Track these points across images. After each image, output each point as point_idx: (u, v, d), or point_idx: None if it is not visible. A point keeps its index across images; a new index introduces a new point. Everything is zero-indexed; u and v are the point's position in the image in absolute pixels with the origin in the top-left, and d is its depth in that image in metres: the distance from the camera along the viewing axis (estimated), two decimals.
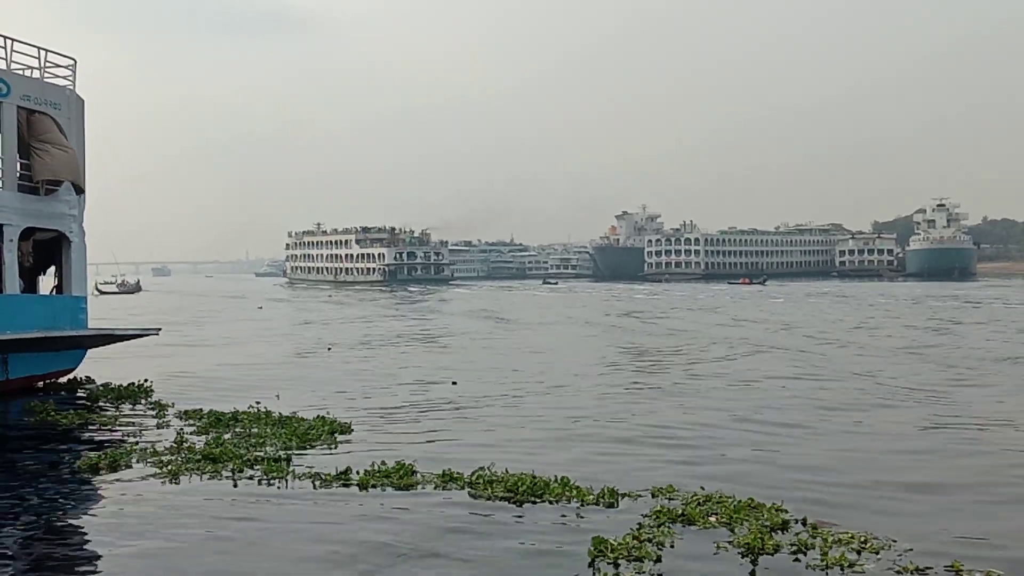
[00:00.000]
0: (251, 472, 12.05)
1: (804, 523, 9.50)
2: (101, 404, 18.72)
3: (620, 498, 10.63)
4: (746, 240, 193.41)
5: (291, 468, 12.17)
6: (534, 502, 10.56)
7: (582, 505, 10.38)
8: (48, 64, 21.05)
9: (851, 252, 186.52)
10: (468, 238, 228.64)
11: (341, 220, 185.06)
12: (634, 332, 40.44)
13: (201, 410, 17.12)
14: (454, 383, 21.56)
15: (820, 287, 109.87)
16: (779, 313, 55.01)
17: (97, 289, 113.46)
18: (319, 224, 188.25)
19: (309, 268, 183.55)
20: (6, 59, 19.65)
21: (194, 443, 13.87)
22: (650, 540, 8.90)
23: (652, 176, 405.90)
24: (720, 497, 10.37)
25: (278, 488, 11.35)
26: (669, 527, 9.38)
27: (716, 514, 9.75)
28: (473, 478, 11.46)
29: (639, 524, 9.44)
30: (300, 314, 61.48)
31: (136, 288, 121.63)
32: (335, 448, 13.78)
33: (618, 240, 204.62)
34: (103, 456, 13.03)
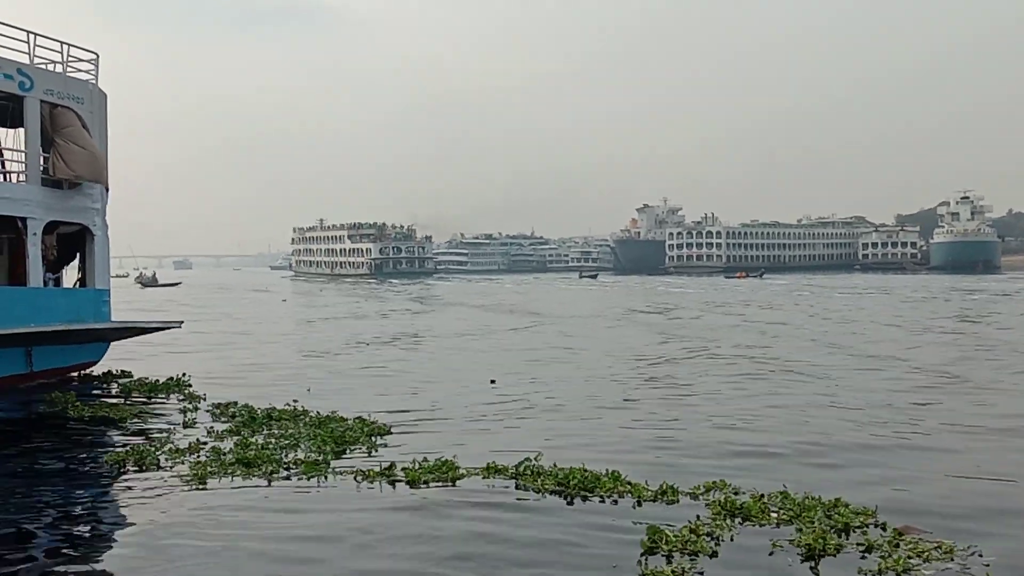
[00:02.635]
0: (286, 473, 11.53)
1: (883, 527, 9.03)
2: (134, 397, 18.60)
3: (680, 495, 10.22)
4: (768, 233, 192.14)
5: (329, 469, 11.63)
6: (585, 496, 10.25)
7: (638, 502, 10.02)
8: (71, 58, 21.14)
9: (874, 245, 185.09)
10: (488, 231, 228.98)
11: (358, 214, 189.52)
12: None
13: (235, 403, 16.79)
14: (492, 382, 21.30)
15: (849, 281, 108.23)
16: (852, 307, 53.79)
17: (139, 282, 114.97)
18: (321, 220, 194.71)
19: (310, 262, 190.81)
20: (29, 53, 19.73)
21: (223, 447, 13.16)
22: (709, 535, 8.74)
23: (673, 169, 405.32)
24: (788, 494, 9.97)
25: (318, 490, 10.80)
26: (729, 522, 9.18)
27: (777, 511, 9.51)
28: (520, 470, 11.12)
29: (697, 516, 9.27)
30: (301, 310, 61.03)
31: (153, 281, 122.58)
32: (375, 452, 13.00)
33: (639, 233, 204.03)
34: (130, 453, 12.73)
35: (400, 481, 11.04)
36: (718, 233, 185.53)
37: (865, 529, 9.01)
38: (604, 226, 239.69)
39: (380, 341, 33.48)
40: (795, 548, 8.45)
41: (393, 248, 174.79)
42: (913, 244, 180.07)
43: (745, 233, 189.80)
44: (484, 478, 11.02)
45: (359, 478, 11.18)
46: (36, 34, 20.00)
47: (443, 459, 11.64)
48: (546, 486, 10.56)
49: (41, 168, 19.97)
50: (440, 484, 10.90)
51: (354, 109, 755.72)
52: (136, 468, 12.22)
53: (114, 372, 21.85)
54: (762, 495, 10.00)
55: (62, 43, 20.90)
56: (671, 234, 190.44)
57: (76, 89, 20.79)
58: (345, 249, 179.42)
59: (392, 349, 30.49)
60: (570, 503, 10.07)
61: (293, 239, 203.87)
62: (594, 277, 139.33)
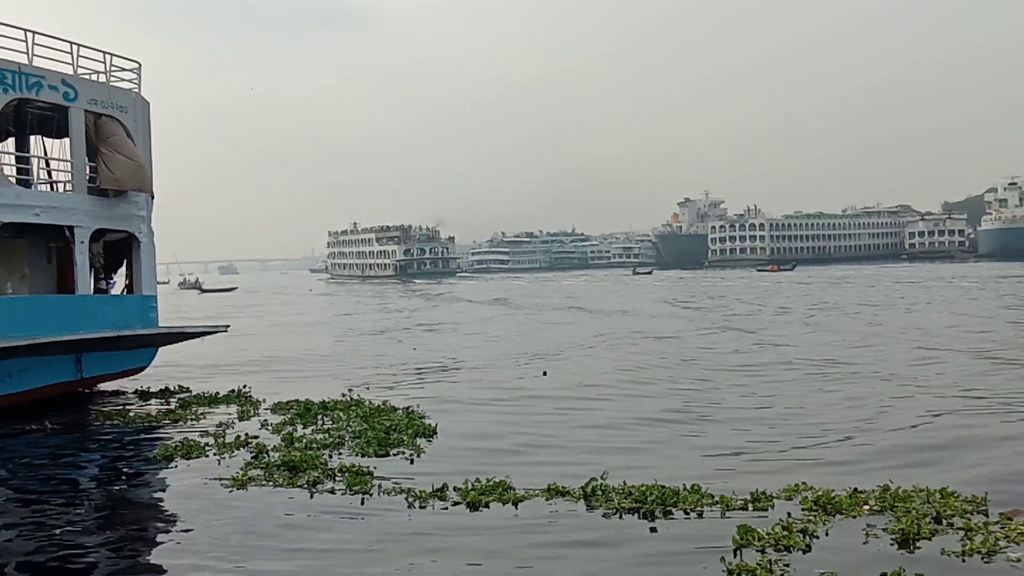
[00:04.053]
0: (331, 484, 11.08)
1: (984, 511, 8.97)
2: (193, 407, 18.20)
3: (773, 499, 9.81)
4: (812, 224, 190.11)
5: (374, 483, 10.98)
6: (667, 513, 9.64)
7: (726, 511, 9.57)
8: (113, 68, 21.35)
9: (921, 234, 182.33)
10: (530, 229, 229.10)
11: (398, 217, 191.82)
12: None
13: (297, 401, 17.21)
14: (544, 373, 21.13)
15: (897, 271, 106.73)
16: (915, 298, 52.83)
17: (200, 288, 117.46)
18: (355, 223, 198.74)
19: (344, 264, 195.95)
20: (72, 64, 19.95)
21: (268, 443, 13.25)
22: (802, 531, 8.59)
23: (714, 162, 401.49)
24: (889, 487, 9.79)
25: (363, 504, 10.33)
26: (823, 517, 9.03)
27: (869, 503, 9.38)
28: (588, 490, 10.36)
29: (788, 513, 9.11)
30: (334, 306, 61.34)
31: (197, 286, 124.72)
32: (419, 456, 12.72)
33: (680, 227, 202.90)
34: (178, 448, 13.10)
35: (457, 503, 10.25)
36: (761, 225, 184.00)
37: (968, 516, 8.86)
38: (645, 221, 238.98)
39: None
40: (888, 535, 8.40)
41: (417, 249, 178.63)
42: (961, 232, 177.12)
43: (789, 225, 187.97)
44: (547, 500, 10.29)
45: (411, 498, 10.42)
46: (79, 44, 20.23)
47: (496, 479, 10.77)
48: (622, 505, 9.89)
49: (87, 177, 20.22)
50: (499, 505, 10.16)
51: (397, 112, 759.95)
52: (184, 460, 12.55)
53: (171, 388, 20.82)
54: (857, 489, 9.80)
55: (105, 53, 21.12)
56: (713, 227, 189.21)
57: (119, 98, 21.02)
58: (373, 251, 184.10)
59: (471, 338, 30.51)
60: (651, 520, 9.47)
61: (329, 242, 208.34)
62: (649, 273, 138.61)
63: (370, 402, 16.49)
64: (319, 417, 15.71)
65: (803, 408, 16.35)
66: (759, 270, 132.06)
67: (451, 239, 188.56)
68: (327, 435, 13.85)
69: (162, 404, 18.81)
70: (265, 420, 15.52)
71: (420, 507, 10.16)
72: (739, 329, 34.14)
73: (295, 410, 16.41)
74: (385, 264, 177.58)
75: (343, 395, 17.53)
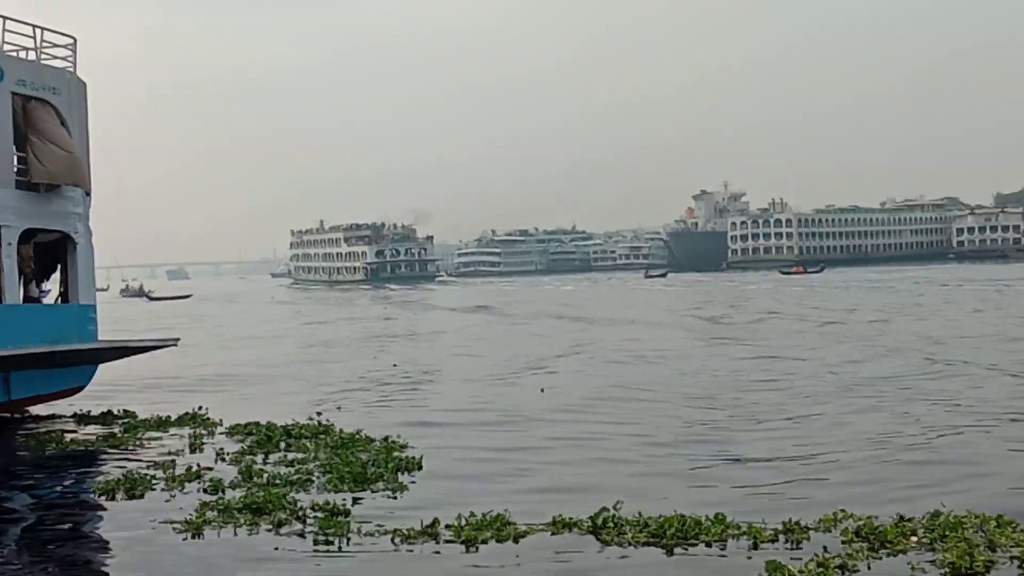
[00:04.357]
0: (300, 527, 10.74)
1: None
2: (139, 432, 18.04)
3: (808, 531, 9.82)
4: (846, 220, 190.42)
5: (351, 525, 10.64)
6: (688, 547, 9.63)
7: (755, 544, 9.58)
8: (45, 44, 21.15)
9: (970, 230, 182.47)
10: (525, 226, 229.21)
11: (378, 216, 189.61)
12: None
13: (256, 424, 17.08)
14: (542, 391, 21.23)
15: (945, 273, 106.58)
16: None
17: (148, 296, 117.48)
18: (322, 221, 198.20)
19: (308, 268, 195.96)
20: None
21: (225, 477, 13.02)
22: (841, 567, 8.64)
23: (734, 151, 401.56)
24: (939, 512, 9.88)
25: (340, 550, 10.01)
26: (864, 551, 9.06)
27: (917, 533, 9.45)
28: (598, 522, 10.31)
29: (824, 547, 9.14)
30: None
31: (141, 293, 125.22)
32: (401, 494, 12.38)
33: (696, 224, 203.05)
34: (121, 481, 12.86)
35: (451, 542, 10.10)
36: (788, 221, 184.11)
37: None
38: (656, 217, 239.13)
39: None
40: (937, 569, 8.48)
41: (391, 251, 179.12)
42: (1016, 228, 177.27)
43: (820, 220, 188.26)
44: (552, 534, 10.23)
45: (397, 539, 10.16)
46: (5, 17, 20.06)
47: (493, 513, 10.65)
48: (637, 539, 9.86)
49: (15, 170, 19.98)
50: (498, 543, 10.04)
51: (379, 98, 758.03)
52: (127, 497, 12.34)
53: (114, 412, 20.49)
54: (903, 516, 9.85)
55: (35, 27, 20.89)
56: (733, 224, 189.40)
57: (52, 79, 20.84)
58: (341, 253, 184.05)
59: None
60: (669, 555, 9.47)
61: (292, 243, 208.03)
62: (663, 276, 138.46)
63: (341, 430, 16.13)
64: (282, 444, 15.57)
65: (843, 427, 16.48)
66: (783, 272, 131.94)
67: (429, 239, 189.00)
68: (292, 469, 13.55)
69: (103, 428, 18.69)
70: (221, 449, 15.26)
71: (408, 550, 9.94)
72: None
73: (255, 435, 16.29)
74: (354, 267, 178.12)
75: (310, 419, 17.40)
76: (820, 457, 14.18)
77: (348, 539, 10.27)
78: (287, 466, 13.78)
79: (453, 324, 52.01)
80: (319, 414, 17.94)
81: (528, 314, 58.63)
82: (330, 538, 10.29)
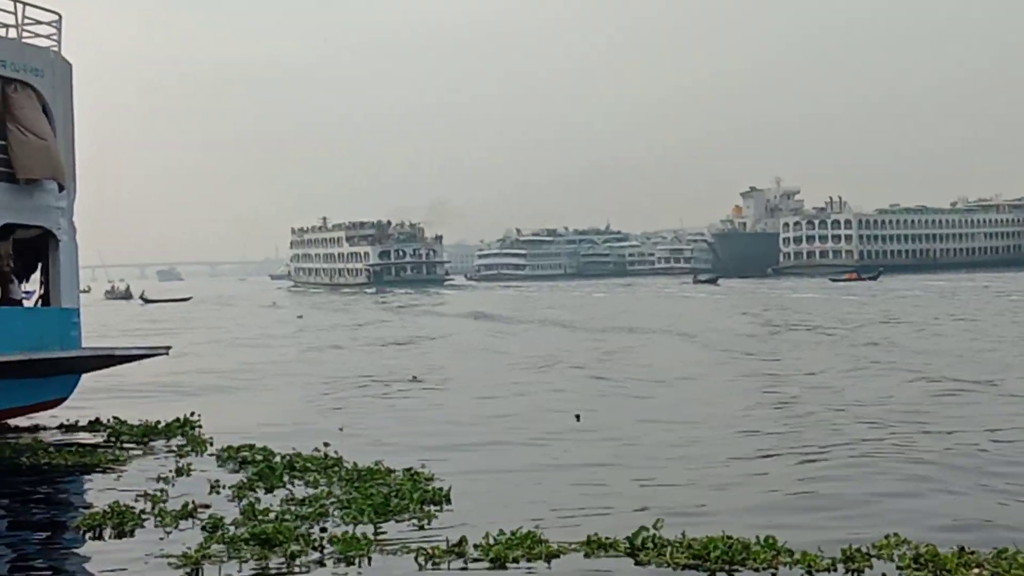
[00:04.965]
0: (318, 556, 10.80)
1: None
2: (124, 441, 18.37)
3: (871, 559, 9.92)
4: (912, 222, 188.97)
5: (374, 547, 10.86)
6: (733, 572, 9.81)
7: (809, 572, 9.69)
8: (27, 21, 21.13)
9: None
10: (552, 226, 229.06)
11: (393, 215, 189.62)
12: None
13: (252, 447, 16.57)
14: (577, 417, 21.16)
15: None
16: None
17: (143, 298, 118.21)
18: (324, 219, 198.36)
19: (309, 269, 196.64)
20: None
21: (226, 515, 12.53)
22: None
23: (786, 145, 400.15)
24: (1007, 550, 9.81)
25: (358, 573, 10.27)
26: None
27: (983, 566, 9.42)
28: (636, 542, 10.46)
29: (883, 574, 9.15)
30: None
31: (126, 295, 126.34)
32: (428, 523, 12.30)
33: (744, 224, 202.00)
34: (108, 515, 12.51)
35: (478, 560, 10.38)
36: (847, 222, 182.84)
37: None
38: (700, 216, 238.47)
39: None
40: None
41: (396, 252, 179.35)
42: None
43: (882, 222, 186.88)
44: (586, 555, 10.44)
45: (422, 558, 10.41)
46: None
47: (522, 530, 10.85)
48: (677, 560, 10.02)
49: None
50: (528, 563, 10.29)
51: (398, 86, 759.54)
52: (115, 535, 12.07)
53: (104, 421, 20.75)
54: (965, 548, 9.81)
55: (15, 1, 20.87)
56: (786, 224, 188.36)
57: (34, 59, 20.83)
58: (343, 254, 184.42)
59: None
60: None
61: (292, 242, 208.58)
62: (714, 282, 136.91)
63: (355, 463, 15.26)
64: (285, 477, 14.77)
65: (910, 447, 16.48)
66: (833, 280, 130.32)
67: (438, 239, 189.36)
68: (302, 505, 13.05)
69: (89, 436, 18.96)
70: (217, 480, 14.56)
71: (433, 566, 10.23)
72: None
73: (254, 466, 15.44)
74: (356, 269, 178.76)
75: (316, 450, 16.33)
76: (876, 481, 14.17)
77: (370, 559, 10.48)
78: (297, 505, 13.08)
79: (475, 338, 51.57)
80: (326, 444, 16.69)
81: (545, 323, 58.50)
82: (352, 563, 10.46)
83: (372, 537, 11.29)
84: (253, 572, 10.41)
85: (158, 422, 19.33)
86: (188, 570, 10.51)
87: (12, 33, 20.89)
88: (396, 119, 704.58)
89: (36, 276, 22.95)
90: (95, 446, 17.87)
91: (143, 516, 12.73)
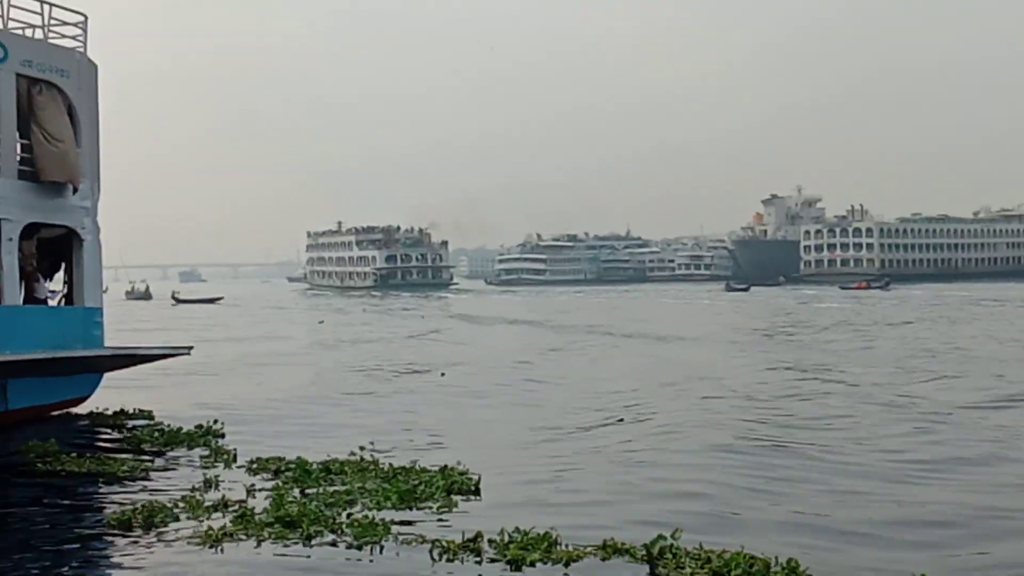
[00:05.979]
0: (332, 537, 11.14)
1: None
2: (145, 448, 18.00)
3: None
4: (935, 231, 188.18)
5: (389, 535, 11.14)
6: None
7: None
8: (53, 22, 21.20)
9: None
10: (573, 231, 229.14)
11: (412, 214, 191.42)
12: None
13: (281, 459, 16.01)
14: (620, 420, 21.01)
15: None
16: None
17: (174, 298, 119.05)
18: (339, 222, 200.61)
19: (323, 272, 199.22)
20: (2, 16, 19.87)
21: (256, 505, 12.78)
22: None
23: (807, 149, 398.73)
24: None
25: (372, 562, 10.44)
26: None
27: None
28: (654, 550, 10.37)
29: None
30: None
31: (146, 295, 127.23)
32: (450, 510, 12.63)
33: (765, 231, 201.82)
34: (138, 511, 12.43)
35: (495, 560, 10.43)
36: (869, 231, 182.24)
37: None
38: (720, 224, 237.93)
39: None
40: None
41: (402, 256, 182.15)
42: None
43: (904, 231, 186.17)
44: (603, 559, 10.42)
45: (436, 552, 10.57)
46: None
47: (538, 531, 10.90)
48: (695, 573, 9.84)
49: (18, 158, 20.08)
50: (543, 564, 10.27)
51: (419, 78, 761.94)
52: (143, 529, 11.99)
53: (128, 411, 21.17)
54: None
55: (42, 3, 20.88)
56: (807, 232, 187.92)
57: (60, 60, 20.89)
58: (353, 257, 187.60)
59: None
60: None
61: (308, 245, 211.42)
62: (746, 290, 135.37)
63: (391, 465, 15.19)
64: (321, 481, 14.55)
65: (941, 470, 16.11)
66: (843, 287, 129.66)
67: (444, 244, 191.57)
68: (333, 497, 13.14)
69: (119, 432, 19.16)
70: (252, 485, 14.39)
71: (448, 560, 10.39)
72: None
73: (289, 472, 15.12)
74: (364, 273, 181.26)
75: (353, 453, 16.25)
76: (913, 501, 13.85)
77: (382, 548, 10.75)
78: (329, 499, 13.05)
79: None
80: (362, 448, 16.67)
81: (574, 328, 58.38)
82: (364, 547, 10.77)
83: (390, 524, 11.50)
84: (268, 550, 10.81)
85: (180, 428, 19.06)
86: (208, 546, 10.94)
87: (38, 34, 20.97)
88: (396, 119, 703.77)
89: (60, 275, 23.06)
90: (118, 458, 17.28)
91: (175, 510, 12.66)
